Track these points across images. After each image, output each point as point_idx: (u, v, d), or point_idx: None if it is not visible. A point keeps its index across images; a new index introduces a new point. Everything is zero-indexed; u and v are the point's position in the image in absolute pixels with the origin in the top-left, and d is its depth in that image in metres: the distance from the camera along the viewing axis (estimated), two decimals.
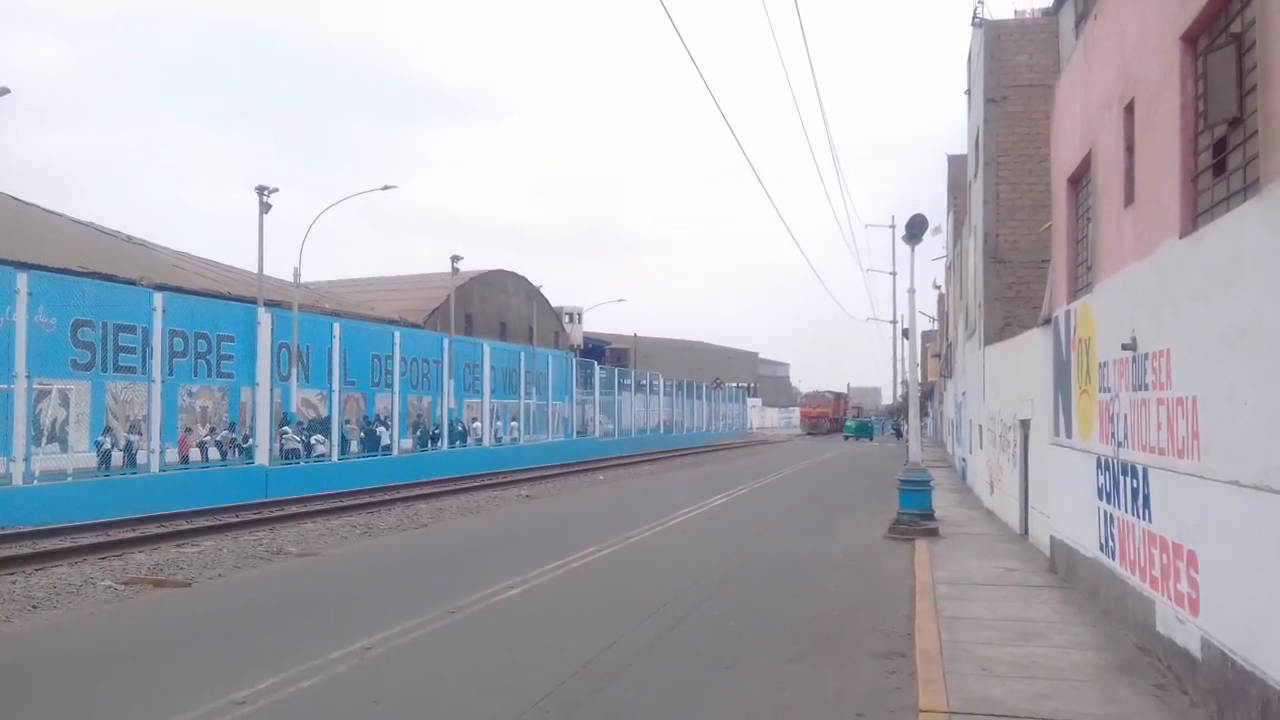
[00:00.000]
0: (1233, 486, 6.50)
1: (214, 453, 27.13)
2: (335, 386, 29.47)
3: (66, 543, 16.30)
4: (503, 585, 12.53)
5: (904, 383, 51.96)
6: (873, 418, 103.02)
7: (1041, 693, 7.59)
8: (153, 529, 18.26)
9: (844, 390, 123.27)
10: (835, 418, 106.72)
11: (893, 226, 37.08)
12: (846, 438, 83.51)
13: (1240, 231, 6.44)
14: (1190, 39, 7.68)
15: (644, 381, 62.82)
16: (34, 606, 11.60)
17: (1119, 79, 9.85)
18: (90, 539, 16.80)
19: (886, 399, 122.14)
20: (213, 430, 27.47)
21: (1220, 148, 7.25)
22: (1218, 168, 7.29)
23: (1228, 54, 6.86)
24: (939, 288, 56.32)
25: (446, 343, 37.83)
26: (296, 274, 36.37)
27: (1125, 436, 9.33)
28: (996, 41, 22.08)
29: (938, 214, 43.22)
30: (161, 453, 22.49)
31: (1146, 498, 8.64)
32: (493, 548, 16.53)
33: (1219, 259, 6.82)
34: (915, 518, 17.80)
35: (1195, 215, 7.63)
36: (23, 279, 19.82)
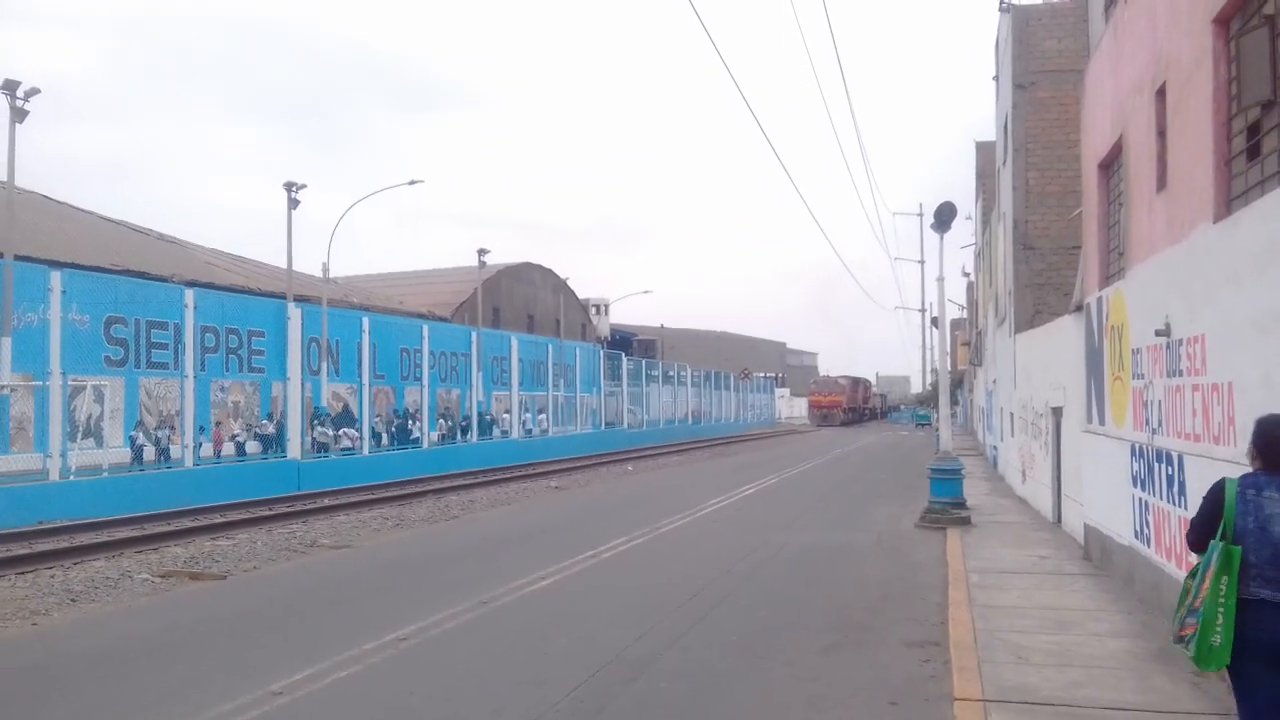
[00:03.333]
0: None
1: (247, 446, 27.42)
2: (365, 380, 29.73)
3: (103, 537, 16.53)
4: (534, 576, 12.58)
5: (933, 371, 51.72)
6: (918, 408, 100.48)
7: (1077, 681, 7.55)
8: (187, 523, 18.46)
9: (864, 376, 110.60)
10: (852, 407, 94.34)
11: (920, 214, 36.98)
12: (918, 426, 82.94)
13: (1276, 215, 6.37)
14: (1222, 21, 7.59)
15: (671, 372, 62.81)
16: (73, 600, 11.77)
17: (1150, 63, 9.75)
18: (126, 533, 17.04)
19: (916, 388, 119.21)
20: (247, 426, 27.75)
21: (1254, 131, 7.16)
22: (1251, 151, 7.21)
23: (1261, 36, 6.78)
24: (968, 275, 55.95)
25: (475, 336, 37.99)
26: (325, 269, 36.58)
27: (1160, 423, 9.25)
28: (1025, 26, 21.88)
29: (966, 202, 42.95)
30: (195, 447, 22.77)
31: (1182, 484, 8.57)
32: (523, 539, 16.60)
33: (1254, 243, 6.74)
34: (947, 506, 17.70)
35: (1229, 199, 7.55)
36: (57, 277, 20.10)
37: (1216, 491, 4.98)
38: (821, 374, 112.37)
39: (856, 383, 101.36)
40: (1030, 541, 15.15)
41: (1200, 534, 4.93)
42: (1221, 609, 4.58)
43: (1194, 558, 5.01)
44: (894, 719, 7.01)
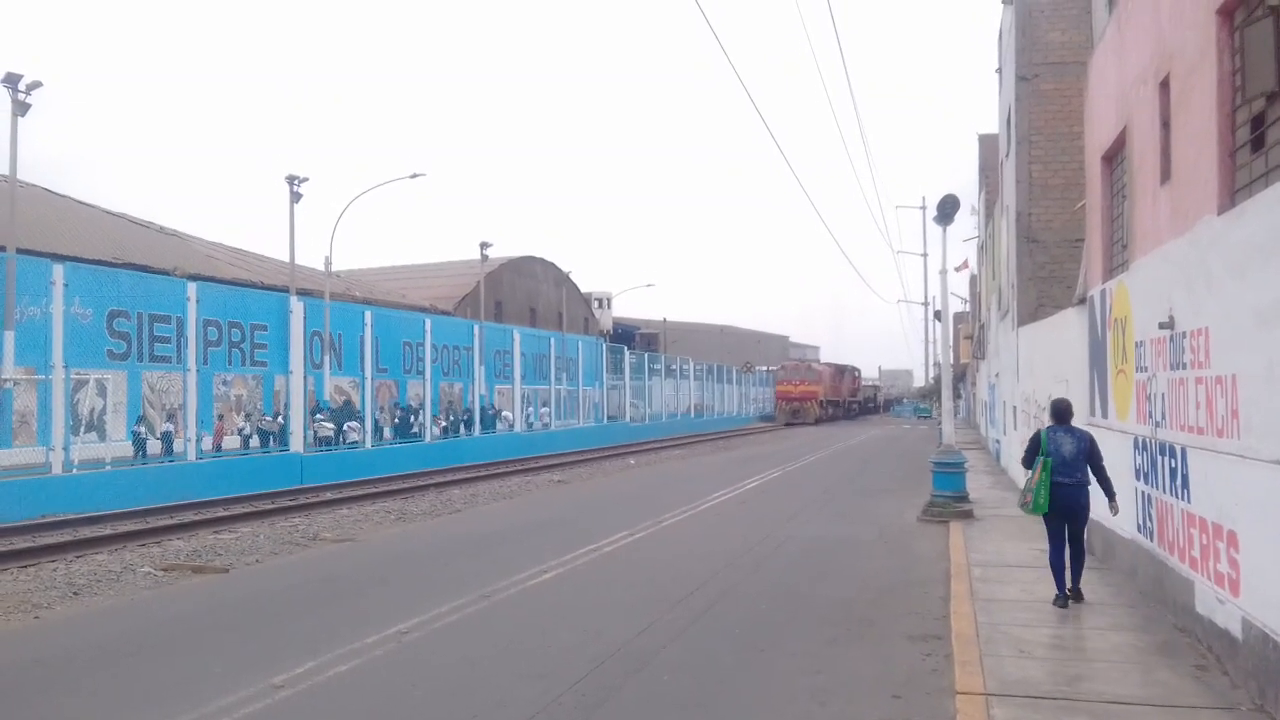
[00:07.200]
0: (1274, 465, 6.42)
1: (250, 440, 27.42)
2: (368, 374, 29.74)
3: (106, 530, 16.55)
4: (537, 569, 12.59)
5: (936, 364, 51.67)
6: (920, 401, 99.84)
7: (1080, 674, 7.55)
8: (190, 516, 18.48)
9: (852, 364, 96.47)
10: (832, 400, 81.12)
11: (923, 208, 36.94)
12: (921, 417, 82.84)
13: None
14: (1227, 12, 7.55)
15: (674, 366, 62.69)
16: (75, 593, 11.78)
17: (1154, 54, 9.71)
18: (129, 526, 17.04)
19: (919, 381, 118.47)
20: (249, 417, 27.75)
21: (1258, 122, 7.13)
22: (1256, 142, 7.18)
23: (1265, 27, 6.74)
24: (969, 269, 55.85)
25: (477, 329, 37.97)
26: (328, 263, 36.59)
27: (1163, 416, 9.23)
28: (1028, 18, 21.80)
29: (969, 195, 42.89)
30: (198, 441, 22.75)
31: (1185, 478, 8.55)
32: (526, 532, 16.60)
33: (1258, 235, 6.71)
34: (949, 500, 17.69)
35: (1233, 191, 7.52)
36: (59, 271, 20.08)
37: (1037, 436, 10.04)
38: (794, 358, 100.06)
39: (840, 371, 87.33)
40: (1033, 535, 15.06)
41: (1029, 458, 9.98)
42: (1044, 487, 9.67)
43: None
44: (896, 712, 7.00)
